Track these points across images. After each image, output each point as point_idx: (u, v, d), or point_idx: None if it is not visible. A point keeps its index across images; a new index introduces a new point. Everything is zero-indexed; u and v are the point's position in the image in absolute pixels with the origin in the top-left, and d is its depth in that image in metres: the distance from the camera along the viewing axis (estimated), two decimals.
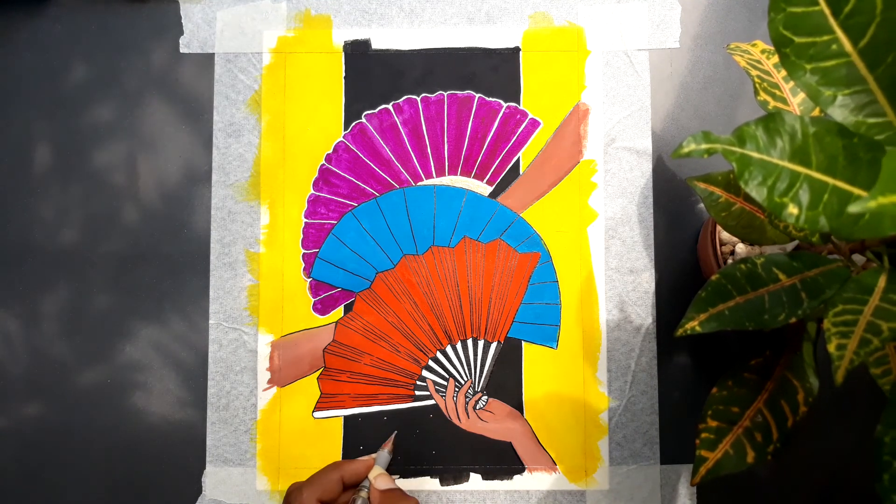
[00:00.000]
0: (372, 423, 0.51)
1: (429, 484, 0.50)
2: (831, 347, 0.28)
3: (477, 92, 0.53)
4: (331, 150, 0.53)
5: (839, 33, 0.28)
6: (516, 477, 0.50)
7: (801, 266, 0.34)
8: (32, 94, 0.53)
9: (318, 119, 0.53)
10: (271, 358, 0.51)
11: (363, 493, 0.44)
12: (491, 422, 0.51)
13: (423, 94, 0.53)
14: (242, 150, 0.53)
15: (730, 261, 0.45)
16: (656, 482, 0.50)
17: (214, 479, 0.50)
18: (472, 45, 0.53)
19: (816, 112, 0.39)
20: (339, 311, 0.51)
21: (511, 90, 0.53)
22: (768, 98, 0.40)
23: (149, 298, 0.52)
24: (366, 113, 0.53)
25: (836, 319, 0.29)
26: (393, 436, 0.50)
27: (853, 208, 0.22)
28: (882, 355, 0.35)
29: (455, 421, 0.51)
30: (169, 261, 0.52)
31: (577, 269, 0.51)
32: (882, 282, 0.29)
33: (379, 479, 0.45)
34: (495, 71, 0.53)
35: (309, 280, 0.52)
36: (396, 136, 0.53)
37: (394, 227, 0.52)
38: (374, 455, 0.48)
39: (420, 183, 0.52)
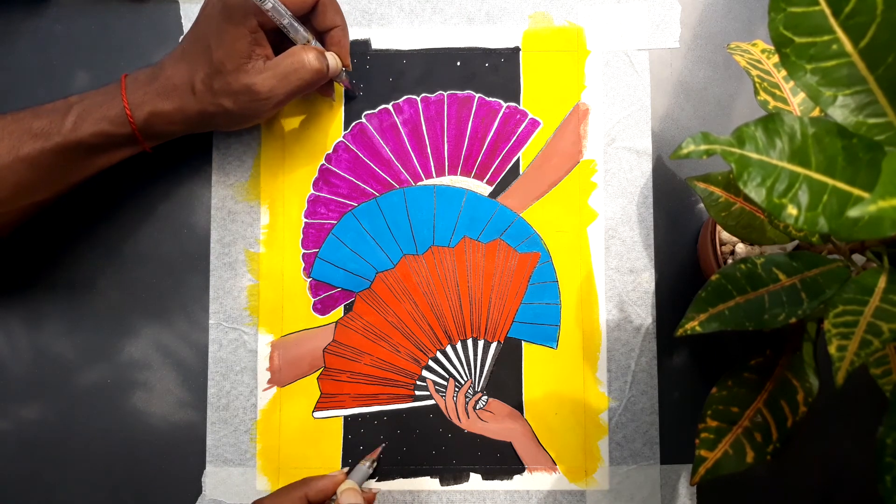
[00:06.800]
0: (372, 423, 0.51)
1: (429, 484, 0.50)
2: (832, 349, 0.28)
3: (477, 92, 0.53)
4: (331, 150, 0.53)
5: (840, 33, 0.28)
6: (516, 477, 0.50)
7: (801, 266, 0.34)
8: (32, 94, 0.53)
9: (318, 119, 0.53)
10: (271, 358, 0.51)
11: None
12: (491, 422, 0.50)
13: (423, 94, 0.53)
14: (242, 150, 0.53)
15: (730, 261, 0.45)
16: (656, 482, 0.50)
17: (214, 479, 0.50)
18: (472, 45, 0.53)
19: (817, 112, 0.39)
20: (339, 311, 0.51)
21: (511, 90, 0.53)
22: (768, 98, 0.40)
23: (149, 298, 0.52)
24: (366, 113, 0.53)
25: (837, 320, 0.29)
26: (380, 448, 0.49)
27: (853, 212, 0.22)
28: (882, 356, 0.35)
29: (455, 421, 0.51)
30: (169, 261, 0.52)
31: (577, 269, 0.51)
32: (882, 282, 0.29)
33: (345, 493, 0.42)
34: (495, 71, 0.53)
35: (309, 280, 0.52)
36: (396, 135, 0.53)
37: (394, 227, 0.52)
38: (345, 470, 0.47)
39: (420, 183, 0.52)
